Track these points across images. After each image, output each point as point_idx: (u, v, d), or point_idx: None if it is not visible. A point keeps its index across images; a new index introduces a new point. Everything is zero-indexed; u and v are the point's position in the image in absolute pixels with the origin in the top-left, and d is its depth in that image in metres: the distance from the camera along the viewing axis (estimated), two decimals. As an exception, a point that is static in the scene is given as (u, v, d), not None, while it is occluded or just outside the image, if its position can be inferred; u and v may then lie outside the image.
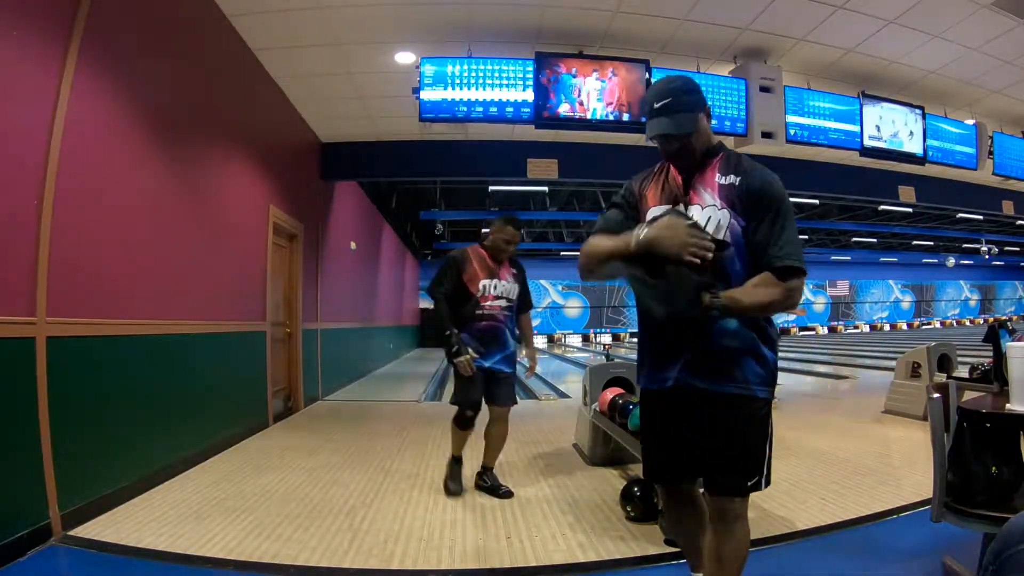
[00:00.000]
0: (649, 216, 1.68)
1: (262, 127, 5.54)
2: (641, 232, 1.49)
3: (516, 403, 3.47)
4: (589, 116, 5.29)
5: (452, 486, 3.38)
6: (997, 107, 6.85)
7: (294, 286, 6.48)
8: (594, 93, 5.29)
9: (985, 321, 27.69)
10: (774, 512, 2.97)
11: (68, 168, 2.78)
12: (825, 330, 28.32)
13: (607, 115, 5.32)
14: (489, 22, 4.93)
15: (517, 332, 3.50)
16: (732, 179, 1.62)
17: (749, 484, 1.61)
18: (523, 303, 3.49)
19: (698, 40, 5.28)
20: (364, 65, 5.54)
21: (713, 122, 1.72)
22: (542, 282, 24.39)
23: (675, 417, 1.69)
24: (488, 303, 3.31)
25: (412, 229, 16.62)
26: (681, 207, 1.66)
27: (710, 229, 1.57)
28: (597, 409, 3.81)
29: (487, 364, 3.29)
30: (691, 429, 1.67)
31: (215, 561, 2.46)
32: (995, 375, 2.61)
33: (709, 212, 1.62)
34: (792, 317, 27.63)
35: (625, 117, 5.35)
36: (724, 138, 5.85)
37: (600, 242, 1.66)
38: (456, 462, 3.47)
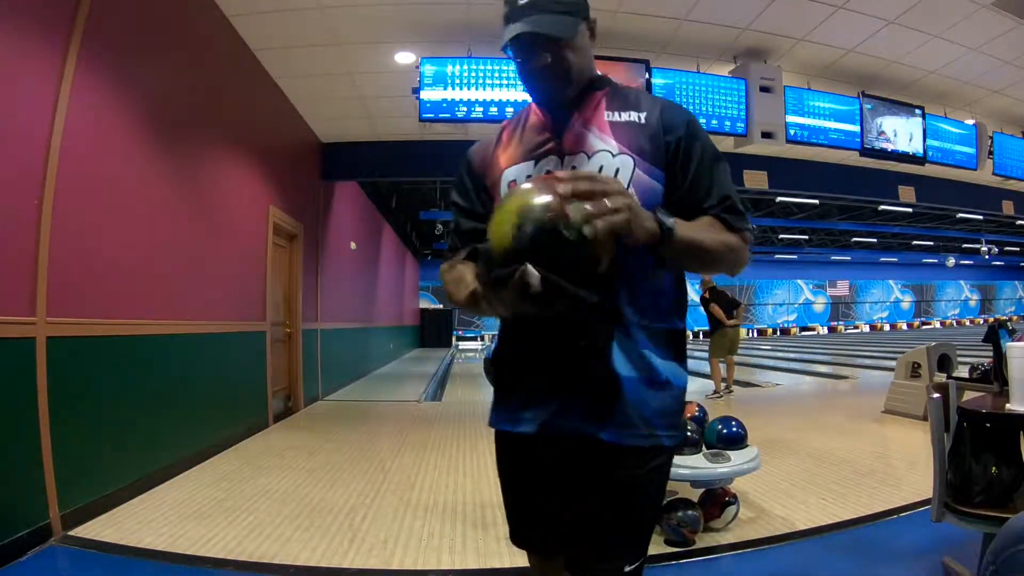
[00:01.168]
0: (503, 183, 1.16)
1: (262, 127, 5.54)
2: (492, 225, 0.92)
3: None
4: (589, 116, 5.30)
5: None
6: (997, 107, 6.85)
7: (294, 286, 6.48)
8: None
9: (985, 321, 27.70)
10: (774, 512, 2.97)
11: (68, 168, 2.78)
12: (825, 330, 28.33)
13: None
14: (489, 22, 4.93)
15: None
16: (633, 116, 1.11)
17: (628, 570, 1.09)
18: None
19: (698, 40, 5.28)
20: (364, 65, 5.54)
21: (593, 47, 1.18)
22: (542, 282, 24.29)
23: (546, 476, 1.17)
24: None
25: (412, 229, 16.63)
26: (550, 163, 1.11)
27: None
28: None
29: None
30: (566, 492, 1.14)
31: (215, 561, 2.46)
32: (995, 375, 2.61)
33: (600, 160, 1.08)
34: (787, 319, 27.54)
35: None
36: (724, 138, 5.87)
37: (453, 277, 1.08)
38: None
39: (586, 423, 1.08)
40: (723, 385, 7.29)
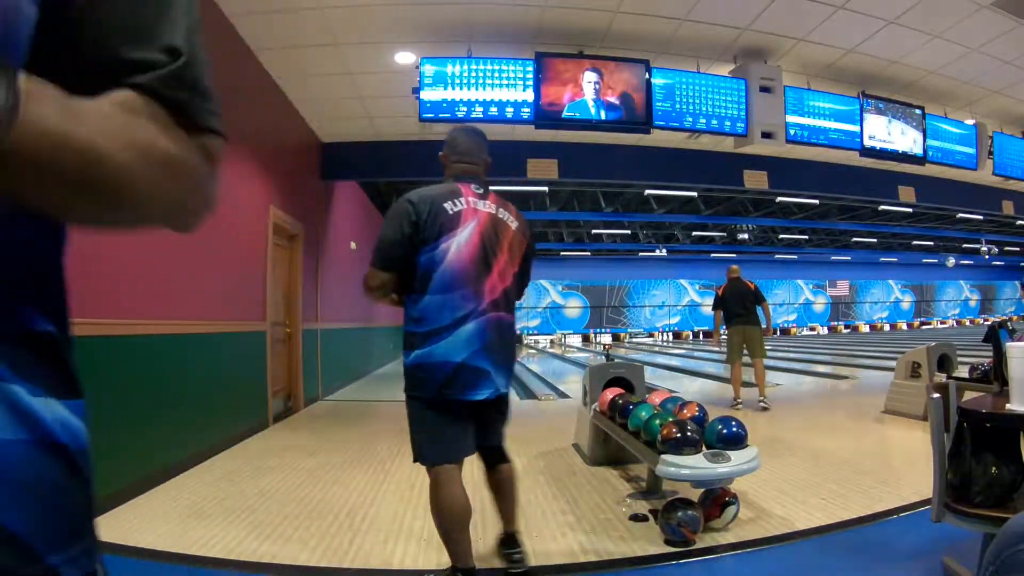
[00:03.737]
0: None
1: (262, 127, 5.54)
2: None
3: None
4: (589, 116, 5.30)
5: None
6: (997, 107, 6.85)
7: (294, 286, 6.48)
8: (594, 93, 5.29)
9: (985, 321, 27.70)
10: (774, 512, 2.97)
11: (68, 168, 2.77)
12: (825, 330, 28.31)
13: (607, 115, 5.32)
14: (489, 22, 4.93)
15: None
16: None
17: None
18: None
19: (698, 40, 5.28)
20: (364, 65, 5.54)
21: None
22: (542, 282, 24.39)
23: None
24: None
25: (412, 229, 16.61)
26: None
27: None
28: (597, 409, 3.81)
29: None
30: None
31: (215, 561, 2.46)
32: (995, 375, 2.62)
33: None
34: (792, 317, 27.51)
35: (630, 115, 5.34)
36: (723, 138, 5.87)
37: None
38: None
39: None
40: (743, 392, 6.27)
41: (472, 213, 2.08)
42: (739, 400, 6.18)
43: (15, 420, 0.43)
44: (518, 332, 2.04)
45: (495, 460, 2.31)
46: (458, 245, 2.02)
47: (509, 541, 2.37)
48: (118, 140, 0.44)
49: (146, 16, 0.50)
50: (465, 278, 2.02)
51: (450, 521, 2.04)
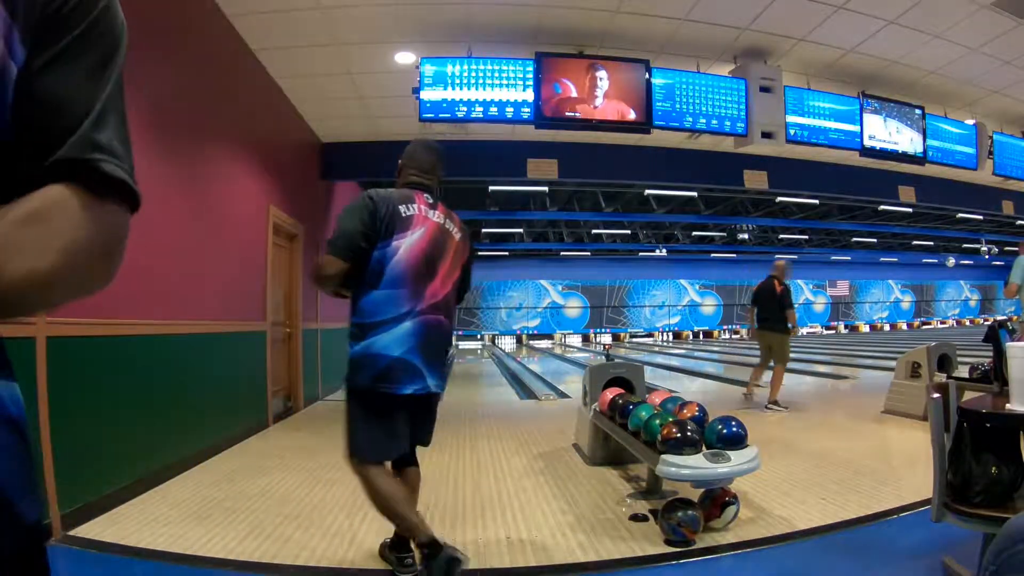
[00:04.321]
0: None
1: (262, 127, 5.54)
2: None
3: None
4: (589, 116, 5.30)
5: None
6: (997, 107, 6.85)
7: (294, 286, 6.48)
8: (594, 93, 5.29)
9: (985, 321, 27.67)
10: (774, 512, 2.97)
11: (68, 168, 2.77)
12: (824, 331, 28.30)
13: (607, 115, 5.32)
14: (489, 22, 4.93)
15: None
16: None
17: None
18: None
19: (698, 40, 5.28)
20: (364, 65, 5.54)
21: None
22: (542, 282, 24.39)
23: None
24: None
25: (412, 229, 16.60)
26: None
27: None
28: (597, 409, 3.81)
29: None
30: None
31: (215, 561, 2.46)
32: (995, 375, 2.61)
33: None
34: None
35: (630, 115, 5.34)
36: (723, 138, 5.87)
37: None
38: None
39: None
40: (754, 390, 6.58)
41: (422, 219, 2.19)
42: (747, 394, 6.58)
43: None
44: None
45: (404, 462, 2.41)
46: (408, 246, 2.14)
47: (403, 545, 2.37)
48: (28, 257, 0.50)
49: (79, 85, 0.58)
50: (410, 277, 2.13)
51: (393, 502, 2.12)
